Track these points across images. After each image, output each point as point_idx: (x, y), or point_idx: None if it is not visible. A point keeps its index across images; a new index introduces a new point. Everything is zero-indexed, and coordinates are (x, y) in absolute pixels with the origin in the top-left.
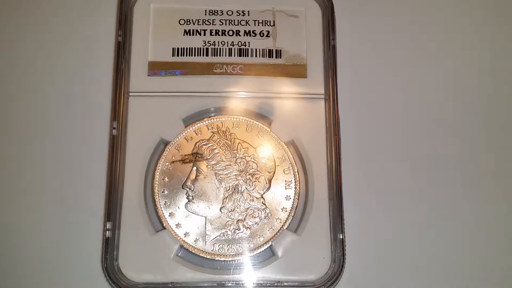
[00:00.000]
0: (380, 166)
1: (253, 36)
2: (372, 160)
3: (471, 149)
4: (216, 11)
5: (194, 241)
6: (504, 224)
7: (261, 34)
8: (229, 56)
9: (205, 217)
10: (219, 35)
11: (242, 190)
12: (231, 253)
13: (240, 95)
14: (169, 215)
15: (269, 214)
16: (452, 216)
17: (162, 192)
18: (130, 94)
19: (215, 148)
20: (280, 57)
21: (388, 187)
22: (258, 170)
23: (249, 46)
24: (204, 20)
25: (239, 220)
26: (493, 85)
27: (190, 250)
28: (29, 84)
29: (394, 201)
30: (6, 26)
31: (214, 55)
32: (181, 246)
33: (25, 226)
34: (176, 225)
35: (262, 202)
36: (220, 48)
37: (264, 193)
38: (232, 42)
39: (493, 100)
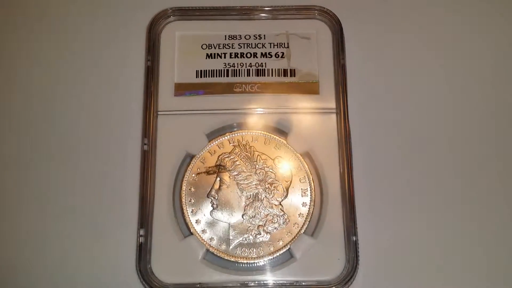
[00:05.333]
0: (389, 173)
1: (269, 57)
2: (381, 167)
3: (474, 153)
4: (235, 36)
5: (219, 245)
6: None
7: (277, 55)
8: (247, 76)
9: (229, 223)
10: (238, 57)
11: (262, 198)
12: (253, 256)
13: (258, 112)
14: (195, 222)
15: (287, 220)
16: (461, 214)
17: (189, 201)
18: (159, 113)
19: (236, 160)
20: (294, 76)
21: (397, 192)
22: (276, 180)
23: (265, 67)
24: (224, 44)
25: (259, 225)
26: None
27: (216, 253)
28: (70, 106)
29: (403, 204)
30: (40, 57)
31: (234, 76)
32: (207, 250)
33: (67, 233)
34: (202, 231)
35: (281, 209)
36: (239, 69)
37: (282, 200)
38: (250, 63)
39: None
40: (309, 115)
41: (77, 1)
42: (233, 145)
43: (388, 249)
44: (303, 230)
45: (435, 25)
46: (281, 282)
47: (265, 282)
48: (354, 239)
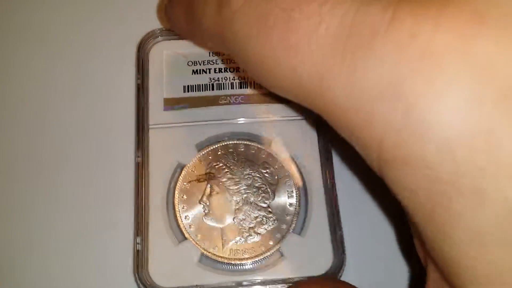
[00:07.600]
0: (367, 170)
1: None
2: (359, 165)
3: None
4: (218, 53)
5: (213, 248)
6: None
7: None
8: (231, 89)
9: (221, 227)
10: (222, 72)
11: (251, 201)
12: (245, 257)
13: (243, 121)
14: (189, 227)
15: (276, 221)
16: None
17: (182, 208)
18: (150, 127)
19: (224, 168)
20: None
21: (375, 186)
22: (263, 184)
23: (248, 80)
24: (209, 61)
25: (250, 227)
26: None
27: (210, 256)
28: (64, 122)
29: (383, 198)
30: (35, 73)
31: (219, 89)
32: (202, 254)
33: (66, 242)
34: (196, 235)
35: (269, 211)
36: (223, 83)
37: (270, 203)
38: (234, 77)
39: None
40: (291, 122)
41: (72, 22)
42: (221, 153)
43: (373, 241)
44: (291, 230)
45: None
46: (273, 279)
47: (257, 280)
48: (339, 233)
